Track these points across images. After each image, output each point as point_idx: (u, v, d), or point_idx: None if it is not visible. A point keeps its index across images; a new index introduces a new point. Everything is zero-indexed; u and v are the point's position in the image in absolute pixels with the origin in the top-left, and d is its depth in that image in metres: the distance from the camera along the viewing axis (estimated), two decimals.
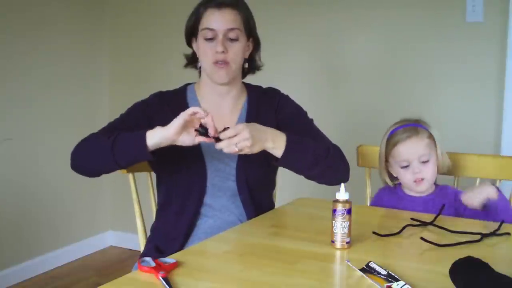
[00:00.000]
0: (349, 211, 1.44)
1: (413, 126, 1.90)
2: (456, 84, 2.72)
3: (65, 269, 3.34)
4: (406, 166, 1.88)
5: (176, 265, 1.32)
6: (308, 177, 1.75)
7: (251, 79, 1.93)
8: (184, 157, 1.76)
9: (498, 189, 1.78)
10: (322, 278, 1.30)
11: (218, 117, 1.75)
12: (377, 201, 1.99)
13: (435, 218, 1.67)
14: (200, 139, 1.58)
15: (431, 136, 1.89)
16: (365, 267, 1.30)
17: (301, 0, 3.03)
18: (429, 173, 1.88)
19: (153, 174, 1.93)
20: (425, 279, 1.26)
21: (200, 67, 1.85)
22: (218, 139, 1.57)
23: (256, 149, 1.60)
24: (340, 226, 1.44)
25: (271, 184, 1.94)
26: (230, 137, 1.56)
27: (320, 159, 1.69)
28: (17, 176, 3.13)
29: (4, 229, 3.07)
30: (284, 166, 1.71)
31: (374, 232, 1.56)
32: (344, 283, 1.32)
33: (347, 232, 1.44)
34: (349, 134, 2.86)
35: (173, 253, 1.46)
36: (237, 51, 1.76)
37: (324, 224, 1.53)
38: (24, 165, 3.17)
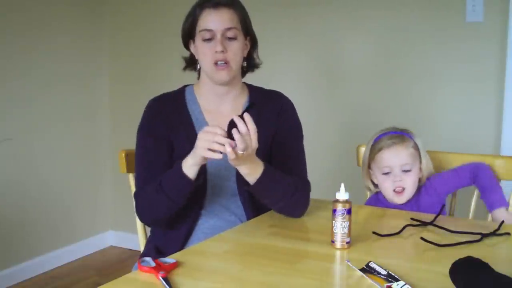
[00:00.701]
0: (349, 211, 1.44)
1: (399, 134, 1.91)
2: (456, 84, 2.72)
3: (65, 269, 3.34)
4: (387, 173, 1.89)
5: (176, 265, 1.32)
6: (271, 207, 1.76)
7: (248, 79, 1.93)
8: (183, 157, 1.75)
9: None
10: (322, 278, 1.30)
11: (218, 118, 1.75)
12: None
13: (435, 218, 1.67)
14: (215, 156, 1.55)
15: (416, 147, 1.90)
16: (365, 267, 1.30)
17: (298, 0, 3.03)
18: (409, 183, 1.88)
19: None
20: (425, 279, 1.26)
21: (199, 69, 1.84)
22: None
23: (246, 155, 1.56)
24: (340, 226, 1.44)
25: None
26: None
27: (285, 197, 1.69)
28: (17, 176, 3.13)
29: (4, 229, 3.07)
30: (252, 191, 1.69)
31: (374, 232, 1.56)
32: (344, 283, 1.32)
33: (347, 232, 1.44)
34: (348, 134, 2.86)
35: (173, 253, 1.46)
36: (236, 50, 1.76)
37: (324, 224, 1.54)
38: (24, 165, 3.17)
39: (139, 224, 1.95)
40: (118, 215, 3.69)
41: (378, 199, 1.97)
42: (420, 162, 1.90)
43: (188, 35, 1.81)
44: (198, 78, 1.87)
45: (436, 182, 1.92)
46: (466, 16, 2.64)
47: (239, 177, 1.77)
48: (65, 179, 3.36)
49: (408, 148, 1.89)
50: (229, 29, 1.74)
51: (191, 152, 1.59)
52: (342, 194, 1.45)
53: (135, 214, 1.96)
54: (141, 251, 1.86)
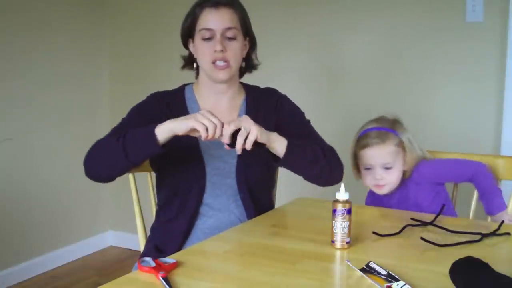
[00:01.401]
0: (349, 211, 1.44)
1: (384, 131, 1.91)
2: (456, 84, 2.71)
3: (65, 269, 3.34)
4: (369, 169, 1.91)
5: (176, 265, 1.32)
6: (307, 177, 1.75)
7: (248, 79, 1.93)
8: (182, 156, 1.76)
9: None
10: (322, 278, 1.30)
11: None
12: (367, 203, 2.03)
13: (435, 218, 1.67)
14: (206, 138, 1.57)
15: (400, 144, 1.90)
16: (365, 267, 1.30)
17: (298, 0, 3.03)
18: (389, 179, 1.90)
19: (153, 174, 1.93)
20: (425, 279, 1.26)
21: (197, 67, 1.85)
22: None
23: (264, 136, 1.58)
24: (340, 226, 1.44)
25: (271, 183, 1.94)
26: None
27: (318, 160, 1.70)
28: (17, 176, 3.13)
29: (4, 229, 3.07)
30: (285, 165, 1.71)
31: (374, 232, 1.56)
32: (344, 283, 1.32)
33: (347, 232, 1.44)
34: (348, 134, 2.84)
35: (173, 253, 1.46)
36: (236, 50, 1.76)
37: (324, 224, 1.53)
38: (24, 165, 3.17)
39: (139, 224, 1.95)
40: (118, 215, 3.69)
41: (372, 192, 2.00)
42: (404, 157, 1.90)
43: (188, 34, 1.81)
44: (196, 77, 1.88)
45: (427, 171, 1.92)
46: (466, 16, 2.64)
47: (239, 175, 1.77)
48: (65, 179, 3.36)
49: (390, 147, 1.89)
50: (228, 28, 1.74)
51: (177, 119, 1.57)
52: (342, 194, 1.45)
53: (134, 214, 1.96)
54: (141, 251, 1.86)
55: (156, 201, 1.92)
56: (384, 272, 1.26)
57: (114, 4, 3.56)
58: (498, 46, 2.59)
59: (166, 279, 1.23)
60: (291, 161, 1.68)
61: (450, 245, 1.47)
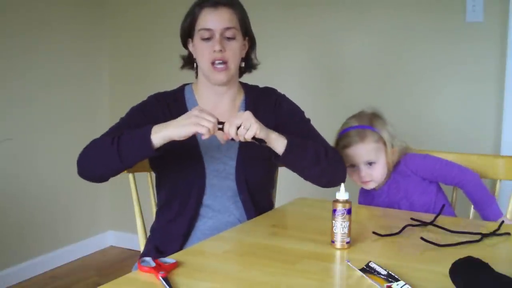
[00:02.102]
0: (349, 211, 1.44)
1: (362, 129, 1.91)
2: (456, 84, 2.71)
3: (65, 269, 3.34)
4: (353, 166, 1.92)
5: (176, 265, 1.32)
6: (307, 177, 1.75)
7: (248, 79, 1.93)
8: (182, 157, 1.76)
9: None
10: (322, 278, 1.30)
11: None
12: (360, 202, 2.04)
13: (435, 218, 1.67)
14: (205, 136, 1.57)
15: (380, 139, 1.90)
16: (365, 267, 1.30)
17: (297, 0, 3.03)
18: (375, 174, 1.91)
19: (153, 174, 1.93)
20: (425, 279, 1.26)
21: (196, 68, 1.85)
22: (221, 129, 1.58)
23: (263, 133, 1.58)
24: (340, 226, 1.44)
25: (271, 184, 1.94)
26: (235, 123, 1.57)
27: (320, 159, 1.69)
28: (17, 176, 3.13)
29: (4, 229, 3.07)
30: (285, 164, 1.71)
31: (374, 232, 1.56)
32: (344, 283, 1.32)
33: (347, 232, 1.44)
34: None
35: (173, 253, 1.46)
36: (235, 50, 1.76)
37: (324, 224, 1.53)
38: (24, 165, 3.17)
39: (139, 224, 1.95)
40: (117, 215, 3.69)
41: (363, 191, 2.01)
42: (386, 151, 1.90)
43: (187, 34, 1.81)
44: (196, 77, 1.88)
45: (415, 163, 1.93)
46: (466, 16, 2.64)
47: (239, 176, 1.77)
48: (65, 179, 3.36)
49: (369, 144, 1.89)
50: (228, 28, 1.74)
51: (175, 125, 1.56)
52: (342, 194, 1.45)
53: (134, 214, 1.97)
54: (141, 251, 1.86)
55: (156, 201, 1.92)
56: (384, 272, 1.26)
57: (114, 4, 3.56)
58: (498, 46, 2.59)
59: (166, 279, 1.23)
60: (291, 160, 1.68)
61: (450, 245, 1.47)
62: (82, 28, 3.45)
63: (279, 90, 1.93)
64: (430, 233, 1.57)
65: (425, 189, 1.92)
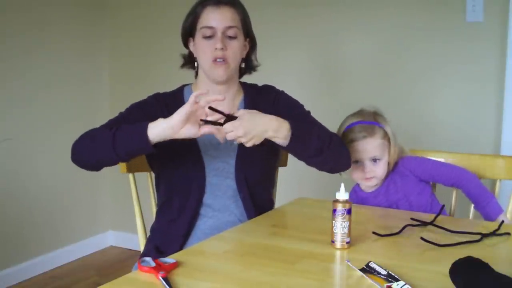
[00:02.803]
0: (349, 211, 1.44)
1: (371, 125, 1.90)
2: (456, 84, 2.71)
3: (65, 269, 3.34)
4: (357, 162, 1.90)
5: (176, 265, 1.32)
6: (311, 163, 1.75)
7: (248, 79, 1.93)
8: (182, 157, 1.76)
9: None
10: (322, 278, 1.30)
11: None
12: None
13: (435, 218, 1.67)
14: (205, 129, 1.58)
15: (386, 136, 1.90)
16: (365, 267, 1.30)
17: (298, 0, 3.03)
18: (379, 171, 1.90)
19: (153, 174, 1.93)
20: (425, 279, 1.26)
21: (197, 67, 1.85)
22: (222, 124, 1.59)
23: (252, 143, 1.60)
24: (340, 226, 1.44)
25: (271, 182, 1.94)
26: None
27: (324, 145, 1.69)
28: (17, 176, 3.13)
29: (4, 229, 3.07)
30: (289, 152, 1.72)
31: (374, 232, 1.56)
32: (344, 283, 1.32)
33: (347, 232, 1.44)
34: None
35: (173, 253, 1.46)
36: (236, 49, 1.77)
37: (324, 224, 1.53)
38: (24, 165, 3.17)
39: (139, 224, 1.95)
40: (118, 215, 3.69)
41: (355, 191, 1.99)
42: (389, 149, 1.90)
43: (188, 33, 1.82)
44: (196, 77, 1.88)
45: (412, 163, 1.93)
46: (466, 16, 2.64)
47: (238, 175, 1.77)
48: (65, 179, 3.36)
49: (377, 140, 1.88)
50: (230, 27, 1.74)
51: (169, 117, 1.57)
52: (342, 194, 1.45)
53: (134, 213, 1.97)
54: (141, 251, 1.86)
55: (156, 201, 1.92)
56: (384, 272, 1.26)
57: (114, 4, 3.56)
58: (498, 46, 2.59)
59: (166, 279, 1.23)
60: (294, 149, 1.68)
61: (450, 245, 1.47)
62: (82, 28, 3.45)
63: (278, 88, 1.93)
64: (430, 233, 1.57)
65: (421, 190, 1.92)
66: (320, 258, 1.41)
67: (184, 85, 1.90)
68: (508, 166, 1.98)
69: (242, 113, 1.61)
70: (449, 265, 1.21)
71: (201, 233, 1.75)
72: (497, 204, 1.85)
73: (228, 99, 1.84)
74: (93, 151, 1.67)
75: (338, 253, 1.44)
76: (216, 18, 1.74)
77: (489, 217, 1.84)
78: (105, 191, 3.63)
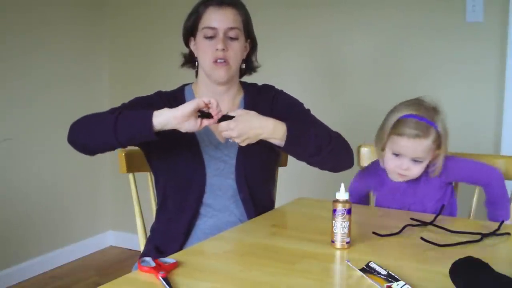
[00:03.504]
0: (349, 211, 1.44)
1: (426, 124, 1.77)
2: (456, 84, 2.71)
3: (65, 269, 3.34)
4: (397, 155, 1.80)
5: (176, 265, 1.32)
6: (311, 163, 1.75)
7: (249, 80, 1.93)
8: (182, 156, 1.76)
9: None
10: (322, 278, 1.30)
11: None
12: (359, 184, 1.96)
13: (435, 218, 1.67)
14: (205, 122, 1.59)
15: (437, 139, 1.79)
16: (365, 267, 1.30)
17: (299, 1, 3.03)
18: (415, 172, 1.81)
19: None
20: (425, 279, 1.26)
21: (197, 67, 1.85)
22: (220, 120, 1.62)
23: (246, 144, 1.64)
24: (340, 226, 1.44)
25: (271, 183, 1.94)
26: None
27: (323, 145, 1.69)
28: (17, 176, 3.13)
29: (4, 229, 3.07)
30: (287, 153, 1.75)
31: (374, 232, 1.56)
32: (344, 283, 1.32)
33: (347, 232, 1.44)
34: (349, 134, 2.84)
35: (173, 253, 1.46)
36: (237, 50, 1.77)
37: (324, 224, 1.53)
38: (24, 165, 3.17)
39: (139, 224, 1.95)
40: (118, 215, 3.69)
41: (377, 169, 1.90)
42: (433, 153, 1.80)
43: (190, 32, 1.82)
44: (196, 76, 1.88)
45: (455, 168, 1.84)
46: (466, 16, 2.64)
47: (238, 175, 1.77)
48: (65, 179, 3.36)
49: (427, 143, 1.76)
50: (231, 28, 1.75)
51: (175, 108, 1.58)
52: (342, 194, 1.45)
53: (134, 213, 1.96)
54: (141, 251, 1.86)
55: (156, 201, 1.92)
56: (384, 272, 1.26)
57: (114, 4, 3.56)
58: (498, 46, 2.59)
59: (166, 279, 1.23)
60: (290, 150, 1.70)
61: (450, 245, 1.47)
62: (82, 29, 3.45)
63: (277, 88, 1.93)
64: (430, 233, 1.57)
65: (442, 196, 1.86)
66: (320, 258, 1.41)
67: (184, 85, 1.90)
68: (508, 166, 1.98)
69: (239, 114, 1.62)
70: (449, 265, 1.21)
71: (201, 232, 1.75)
72: (508, 213, 1.82)
73: (228, 98, 1.84)
74: (92, 132, 1.66)
75: (338, 253, 1.44)
76: (218, 19, 1.74)
77: (495, 219, 1.81)
78: (105, 191, 3.63)
